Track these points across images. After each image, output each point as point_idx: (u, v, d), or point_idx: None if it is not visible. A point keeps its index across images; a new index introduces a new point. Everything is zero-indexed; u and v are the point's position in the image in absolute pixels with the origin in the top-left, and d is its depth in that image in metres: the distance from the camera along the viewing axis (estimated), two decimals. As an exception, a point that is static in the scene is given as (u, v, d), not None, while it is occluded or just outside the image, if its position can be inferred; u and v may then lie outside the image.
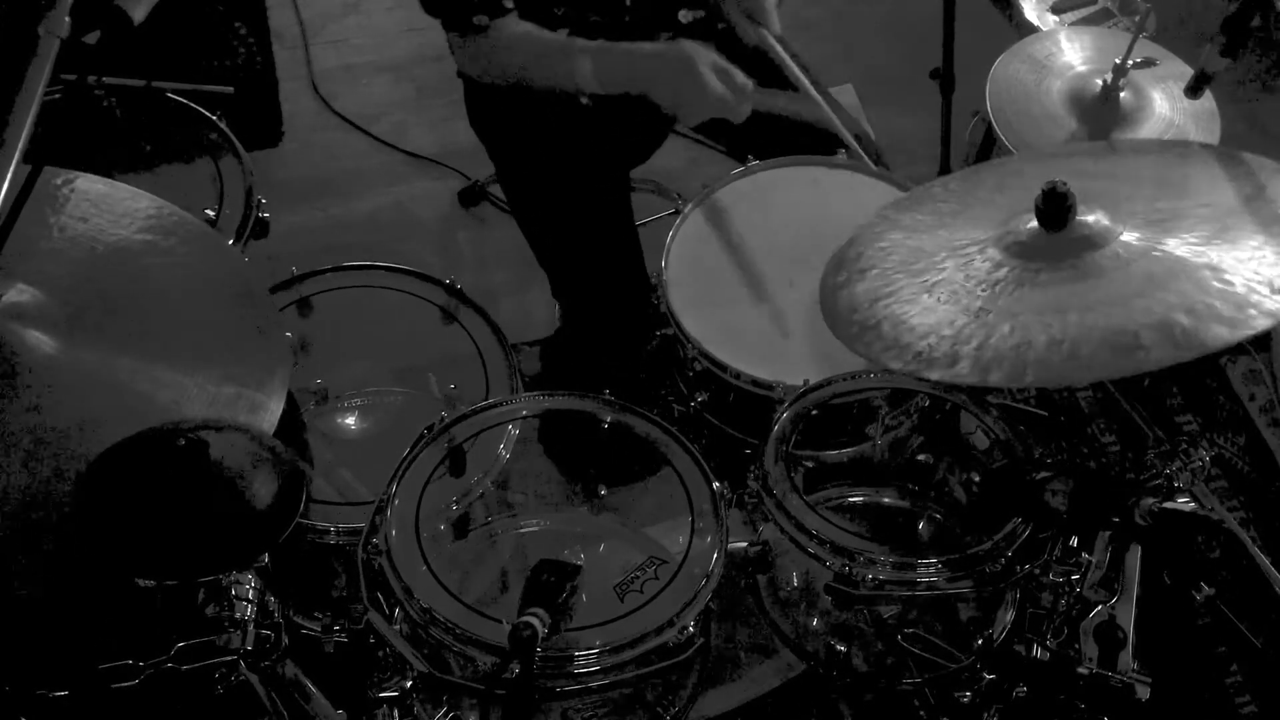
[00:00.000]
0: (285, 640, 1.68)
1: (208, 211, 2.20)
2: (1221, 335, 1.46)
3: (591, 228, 2.42)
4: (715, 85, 2.12)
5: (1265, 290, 1.50)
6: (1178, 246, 1.61)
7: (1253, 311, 1.48)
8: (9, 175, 1.47)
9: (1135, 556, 1.69)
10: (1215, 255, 1.58)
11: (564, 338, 2.67)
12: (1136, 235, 1.64)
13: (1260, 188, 1.68)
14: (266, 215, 2.27)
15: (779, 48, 2.27)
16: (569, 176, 2.40)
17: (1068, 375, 1.54)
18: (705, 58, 2.14)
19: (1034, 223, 1.68)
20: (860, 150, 2.31)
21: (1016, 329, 1.56)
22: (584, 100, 2.28)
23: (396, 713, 1.72)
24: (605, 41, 2.20)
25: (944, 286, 1.67)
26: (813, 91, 2.30)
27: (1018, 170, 1.90)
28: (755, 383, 2.03)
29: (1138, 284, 1.57)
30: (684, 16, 2.35)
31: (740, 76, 2.16)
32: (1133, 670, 1.64)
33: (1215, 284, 1.53)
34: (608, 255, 2.43)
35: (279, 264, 2.22)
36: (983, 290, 1.65)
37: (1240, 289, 1.51)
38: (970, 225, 1.78)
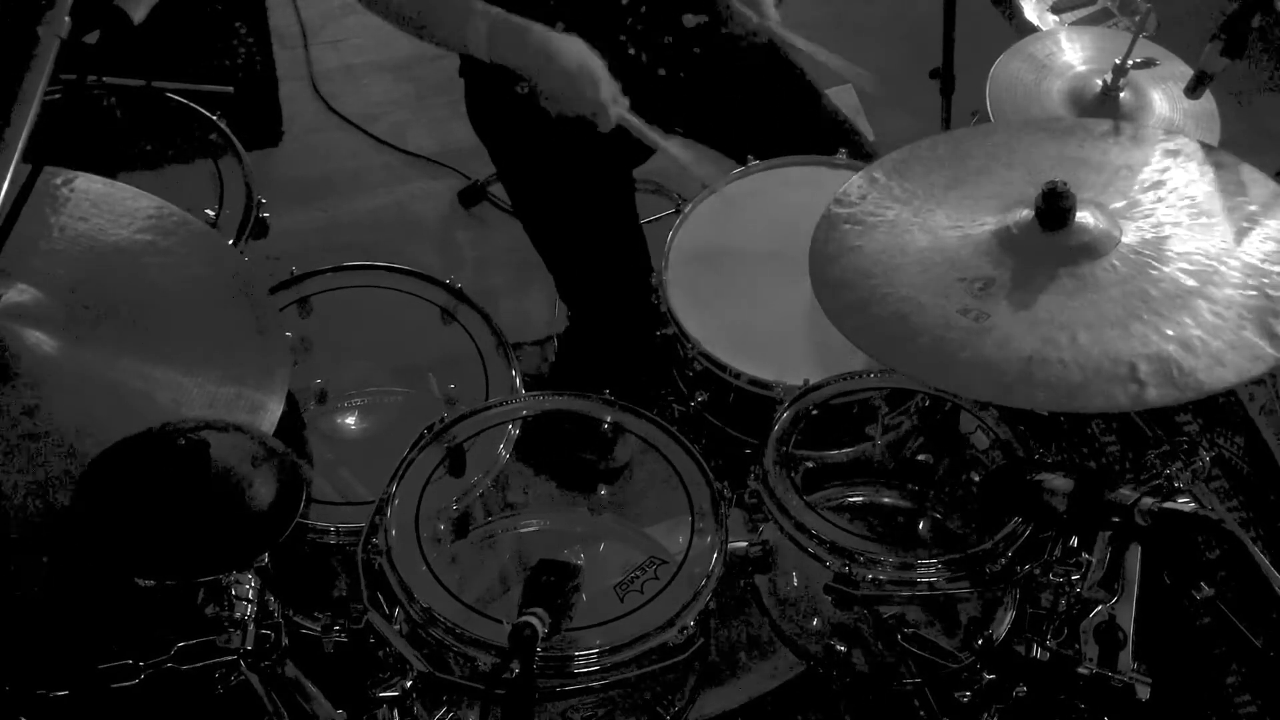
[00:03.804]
0: (285, 640, 1.68)
1: (208, 211, 2.20)
2: (1218, 377, 1.48)
3: (594, 226, 2.42)
4: (607, 85, 2.16)
5: (1259, 330, 1.52)
6: (1173, 269, 1.61)
7: (1247, 353, 1.50)
8: (9, 175, 1.47)
9: (1135, 556, 1.69)
10: (1210, 280, 1.59)
11: (571, 336, 2.67)
12: (1133, 245, 1.64)
13: (1250, 210, 1.69)
14: (266, 215, 2.27)
15: (781, 30, 2.26)
16: (571, 175, 2.39)
17: (1066, 402, 1.55)
18: (597, 61, 2.17)
19: (1030, 217, 1.68)
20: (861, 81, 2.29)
21: (1013, 340, 1.56)
22: (519, 88, 2.28)
23: (396, 713, 1.72)
24: (503, 11, 2.19)
25: (939, 283, 1.68)
26: (823, 55, 2.28)
27: (1009, 144, 1.90)
28: (755, 383, 2.03)
29: (1134, 305, 1.58)
30: (688, 21, 2.35)
31: (617, 89, 2.19)
32: (1133, 670, 1.64)
33: (1209, 316, 1.54)
34: (611, 253, 2.43)
35: (279, 264, 2.22)
36: (978, 289, 1.65)
37: (1234, 324, 1.53)
38: (963, 209, 1.77)
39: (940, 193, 1.81)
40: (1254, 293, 1.58)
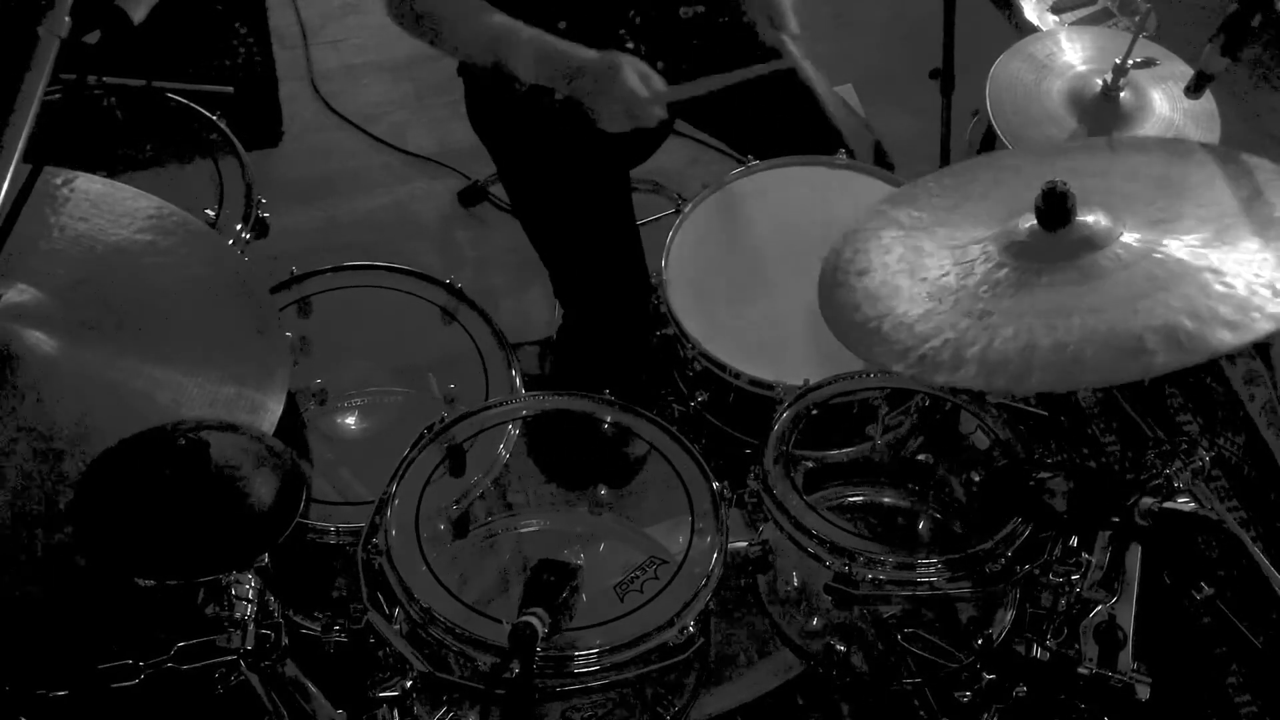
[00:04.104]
0: (285, 640, 1.68)
1: (208, 211, 2.20)
2: (1226, 339, 1.46)
3: (593, 226, 2.42)
4: (638, 87, 2.14)
5: (1268, 293, 1.50)
6: (1178, 249, 1.61)
7: (1256, 315, 1.48)
8: (9, 175, 1.47)
9: (1135, 556, 1.69)
10: (1216, 258, 1.58)
11: (567, 334, 2.67)
12: (1137, 236, 1.64)
13: (1258, 189, 1.68)
14: (266, 215, 2.27)
15: (795, 50, 2.26)
16: (570, 175, 2.40)
17: (1074, 379, 1.54)
18: (632, 64, 2.16)
19: (1033, 222, 1.68)
20: (860, 149, 2.30)
21: (1020, 332, 1.56)
22: (517, 85, 2.28)
23: (396, 713, 1.72)
24: (542, 33, 2.20)
25: (945, 288, 1.67)
26: (828, 94, 2.28)
27: (1013, 166, 1.90)
28: (755, 383, 2.03)
29: (1140, 286, 1.57)
30: (684, 13, 2.35)
31: (657, 81, 2.18)
32: (1133, 670, 1.64)
33: (1217, 287, 1.53)
34: (609, 254, 2.43)
35: (279, 264, 2.22)
36: (984, 291, 1.65)
37: (1242, 292, 1.51)
38: (968, 223, 1.78)
39: (944, 215, 1.81)
40: (1265, 257, 1.56)
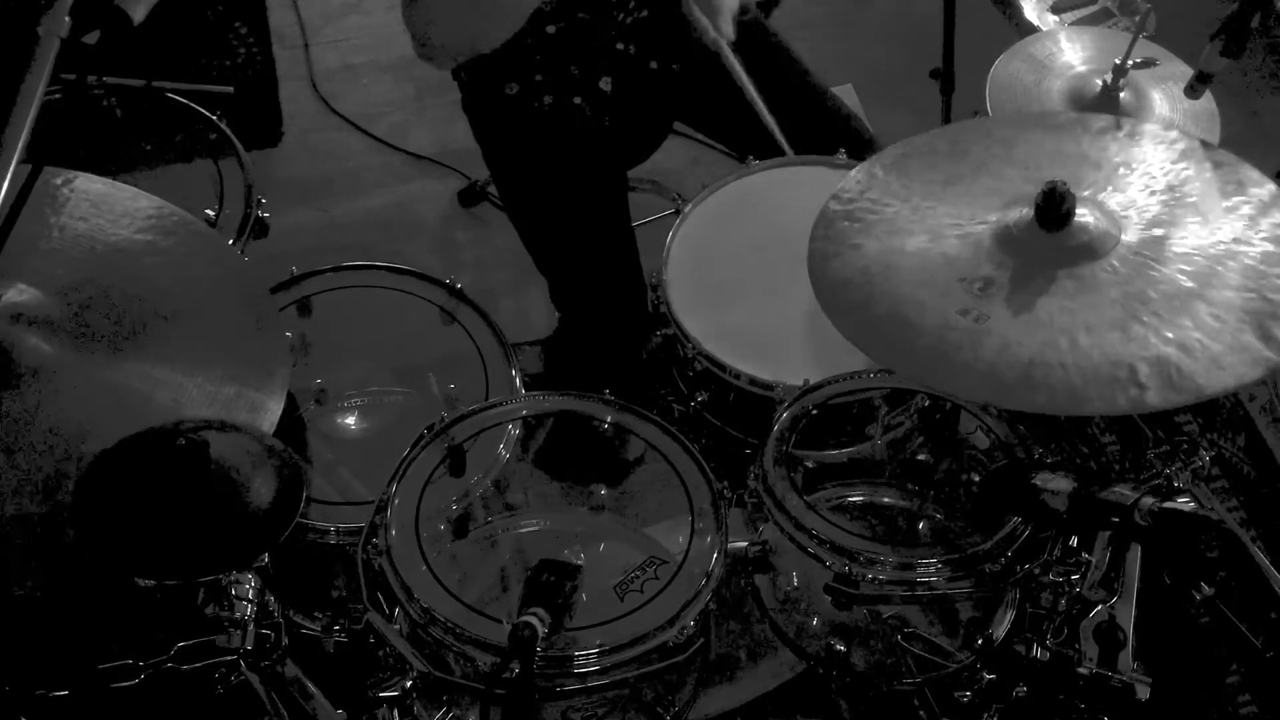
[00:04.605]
0: (285, 640, 1.68)
1: (208, 211, 2.20)
2: (1216, 381, 1.48)
3: (586, 231, 2.42)
4: None
5: (1259, 333, 1.52)
6: (1175, 273, 1.61)
7: (1246, 357, 1.50)
8: (9, 175, 1.47)
9: (1135, 556, 1.69)
10: (1207, 280, 1.59)
11: (562, 338, 2.67)
12: (1132, 245, 1.64)
13: (1249, 211, 1.69)
14: (266, 215, 2.27)
15: (730, 54, 2.25)
16: (563, 180, 2.39)
17: (1066, 406, 1.55)
18: None
19: (1027, 215, 1.68)
20: (787, 148, 2.29)
21: (1014, 344, 1.56)
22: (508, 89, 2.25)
23: (396, 713, 1.72)
24: None
25: (938, 282, 1.68)
26: (758, 101, 2.27)
27: (1007, 140, 1.90)
28: (755, 383, 2.03)
29: (1134, 306, 1.58)
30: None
31: None
32: (1133, 670, 1.64)
33: (1210, 321, 1.54)
34: (603, 258, 2.42)
35: (279, 264, 2.22)
36: (978, 289, 1.65)
37: (1233, 327, 1.53)
38: (962, 206, 1.77)
39: (939, 190, 1.81)
40: (1253, 295, 1.58)
